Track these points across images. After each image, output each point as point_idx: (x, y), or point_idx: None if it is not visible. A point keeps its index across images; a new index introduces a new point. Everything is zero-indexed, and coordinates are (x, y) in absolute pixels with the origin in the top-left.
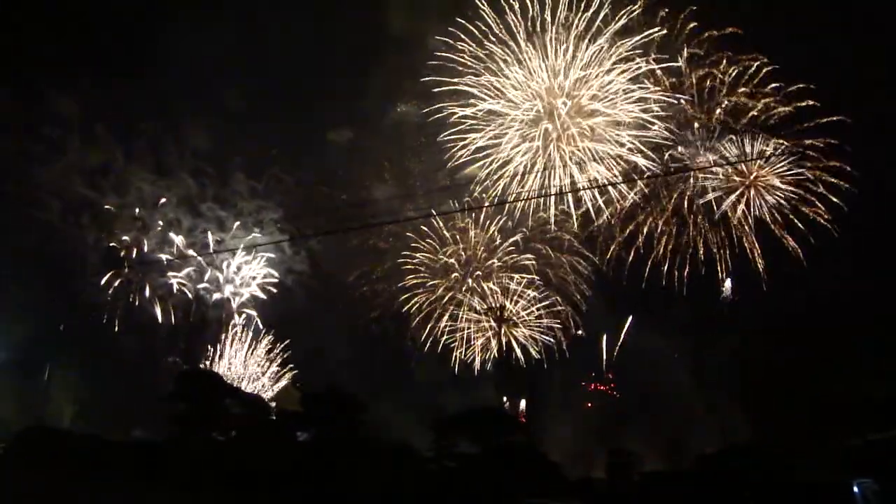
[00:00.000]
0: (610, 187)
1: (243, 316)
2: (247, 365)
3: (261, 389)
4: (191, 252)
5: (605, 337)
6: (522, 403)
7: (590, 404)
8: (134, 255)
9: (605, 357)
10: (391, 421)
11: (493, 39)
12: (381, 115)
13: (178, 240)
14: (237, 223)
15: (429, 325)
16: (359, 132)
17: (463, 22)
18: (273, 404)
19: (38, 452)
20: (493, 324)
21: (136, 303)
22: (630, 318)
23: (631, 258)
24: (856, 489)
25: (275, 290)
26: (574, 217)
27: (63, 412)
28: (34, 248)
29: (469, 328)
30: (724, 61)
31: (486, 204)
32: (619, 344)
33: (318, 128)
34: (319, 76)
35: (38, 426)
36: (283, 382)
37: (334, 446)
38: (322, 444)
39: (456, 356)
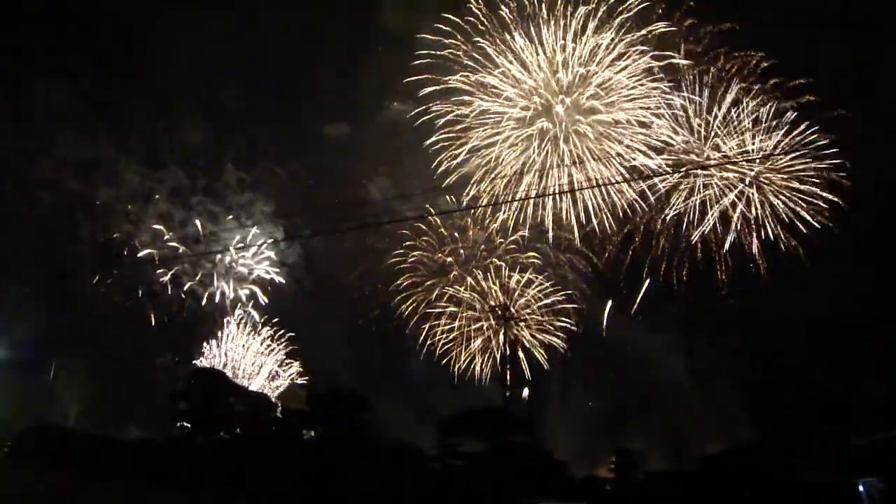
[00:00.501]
0: (610, 187)
1: (238, 314)
2: (242, 363)
3: (257, 385)
4: (182, 248)
5: (604, 334)
6: (525, 392)
7: (591, 404)
8: (126, 251)
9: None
10: (391, 420)
11: (490, 38)
12: (376, 114)
13: (169, 234)
14: (230, 217)
15: (428, 324)
16: (355, 131)
17: (458, 21)
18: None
19: (42, 451)
20: (492, 322)
21: (130, 300)
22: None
23: (630, 256)
24: (861, 488)
25: (269, 289)
26: (571, 215)
27: (68, 411)
28: (32, 244)
29: (468, 326)
30: (722, 58)
31: (484, 203)
32: (619, 341)
33: (313, 127)
34: (313, 75)
35: (42, 425)
36: (279, 381)
37: (340, 445)
38: (328, 442)
39: (456, 354)
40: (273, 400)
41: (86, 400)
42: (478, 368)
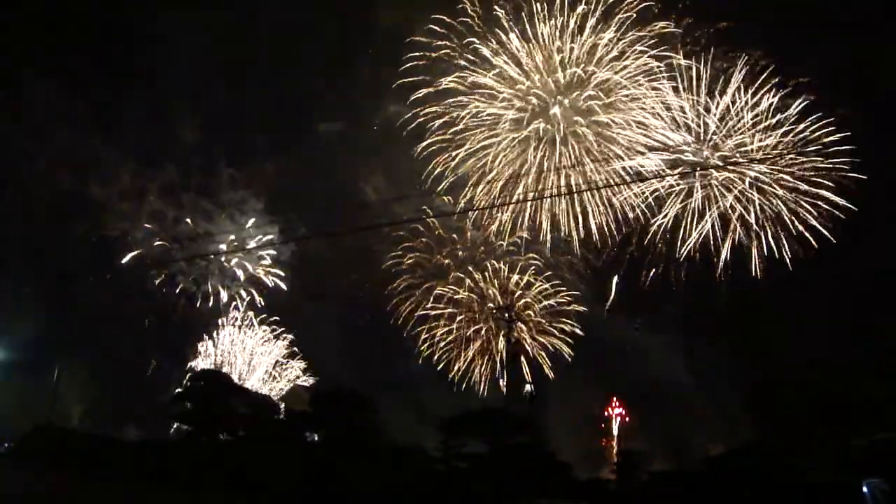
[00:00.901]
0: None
1: (232, 316)
2: (238, 364)
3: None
4: (175, 248)
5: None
6: (528, 387)
7: (592, 405)
8: (121, 251)
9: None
10: (391, 421)
11: (485, 38)
12: (372, 115)
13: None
14: (224, 216)
15: (427, 326)
16: (350, 131)
17: (452, 22)
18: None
19: (46, 451)
20: (492, 325)
21: (126, 300)
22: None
23: (629, 257)
24: (865, 489)
25: (265, 292)
26: (570, 217)
27: (71, 411)
28: (31, 244)
29: (467, 329)
30: (721, 57)
31: (482, 206)
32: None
33: (311, 126)
34: (310, 74)
35: (44, 426)
36: (280, 383)
37: (344, 446)
38: (331, 444)
39: (455, 356)
40: (276, 401)
41: (88, 400)
42: (477, 370)
